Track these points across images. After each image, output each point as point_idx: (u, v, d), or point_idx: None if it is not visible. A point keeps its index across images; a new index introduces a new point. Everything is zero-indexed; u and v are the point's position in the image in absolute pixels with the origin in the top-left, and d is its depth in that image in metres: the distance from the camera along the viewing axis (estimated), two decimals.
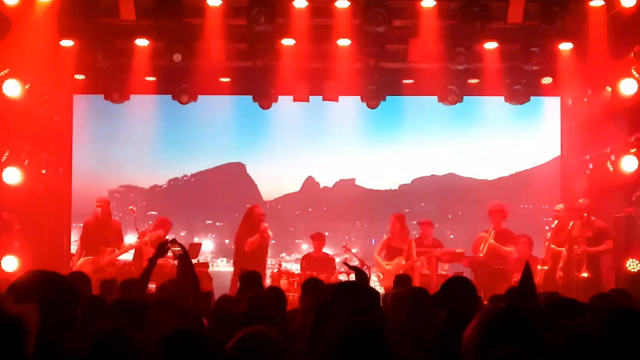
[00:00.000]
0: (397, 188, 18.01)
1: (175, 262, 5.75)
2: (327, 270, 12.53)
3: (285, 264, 12.62)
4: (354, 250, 13.20)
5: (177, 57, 11.88)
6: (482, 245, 12.26)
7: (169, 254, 5.75)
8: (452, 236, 16.82)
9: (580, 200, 11.64)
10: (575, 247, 11.26)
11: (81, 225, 12.66)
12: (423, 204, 18.02)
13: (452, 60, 11.87)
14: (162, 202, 13.36)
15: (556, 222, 11.97)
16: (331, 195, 18.23)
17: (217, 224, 19.06)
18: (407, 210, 17.02)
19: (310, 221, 17.53)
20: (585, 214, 11.27)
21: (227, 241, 18.90)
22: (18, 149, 11.42)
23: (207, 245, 18.17)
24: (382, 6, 10.90)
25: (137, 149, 16.02)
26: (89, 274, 10.48)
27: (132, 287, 6.51)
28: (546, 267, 11.70)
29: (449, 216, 18.09)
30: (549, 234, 12.02)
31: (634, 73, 10.79)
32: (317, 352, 3.32)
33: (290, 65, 12.28)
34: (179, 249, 5.64)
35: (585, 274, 10.98)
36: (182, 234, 17.83)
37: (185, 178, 19.68)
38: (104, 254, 11.88)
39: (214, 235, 19.20)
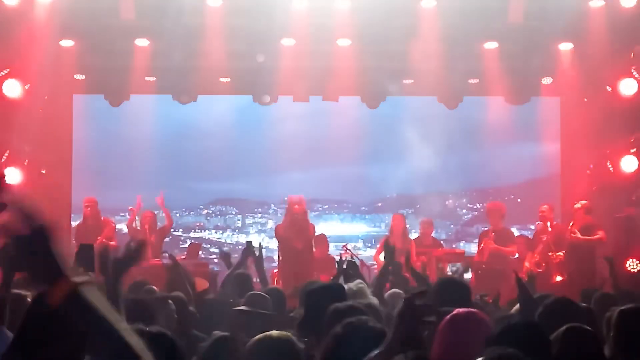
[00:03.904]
0: (397, 188, 18.02)
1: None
2: (328, 270, 12.52)
3: None
4: (359, 252, 13.21)
5: (177, 57, 11.94)
6: (483, 247, 12.21)
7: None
8: (463, 243, 16.78)
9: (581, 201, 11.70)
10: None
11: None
12: (426, 205, 18.03)
13: (452, 60, 11.86)
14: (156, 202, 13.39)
15: (548, 223, 11.98)
16: (331, 195, 18.23)
17: None
18: (412, 211, 17.04)
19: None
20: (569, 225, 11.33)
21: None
22: (18, 149, 11.42)
23: None
24: (382, 5, 10.90)
25: (136, 149, 16.01)
26: None
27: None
28: (540, 270, 11.67)
29: (462, 218, 18.11)
30: (544, 237, 12.00)
31: (634, 73, 10.79)
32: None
33: (290, 65, 12.27)
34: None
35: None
36: (177, 233, 17.82)
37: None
38: None
39: None
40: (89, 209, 12.24)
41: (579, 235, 11.17)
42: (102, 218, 12.43)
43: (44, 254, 1.98)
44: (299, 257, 11.85)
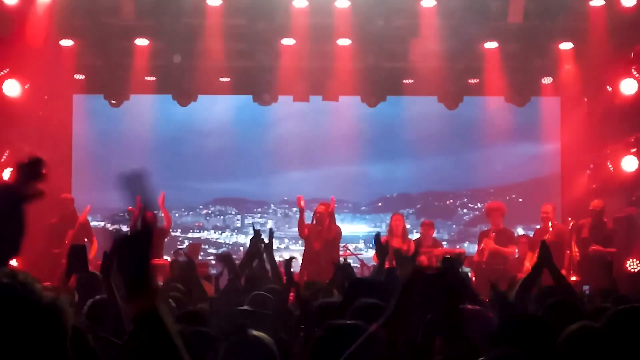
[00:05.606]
0: (397, 188, 18.01)
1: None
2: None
3: None
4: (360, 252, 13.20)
5: (176, 58, 11.92)
6: (482, 247, 12.20)
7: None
8: (466, 244, 16.73)
9: (595, 201, 11.61)
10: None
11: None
12: (425, 205, 18.02)
13: (452, 60, 11.86)
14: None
15: (551, 223, 11.95)
16: (331, 195, 18.19)
17: None
18: (412, 211, 17.03)
19: None
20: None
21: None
22: (18, 149, 11.41)
23: None
24: (382, 5, 10.91)
25: (136, 149, 16.00)
26: None
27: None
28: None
29: (463, 218, 18.09)
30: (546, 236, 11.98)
31: (634, 73, 10.80)
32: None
33: (290, 65, 12.28)
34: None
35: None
36: (175, 233, 17.82)
37: None
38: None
39: None
40: (64, 207, 11.97)
41: (599, 246, 11.07)
42: (77, 217, 12.11)
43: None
44: (316, 257, 11.82)
